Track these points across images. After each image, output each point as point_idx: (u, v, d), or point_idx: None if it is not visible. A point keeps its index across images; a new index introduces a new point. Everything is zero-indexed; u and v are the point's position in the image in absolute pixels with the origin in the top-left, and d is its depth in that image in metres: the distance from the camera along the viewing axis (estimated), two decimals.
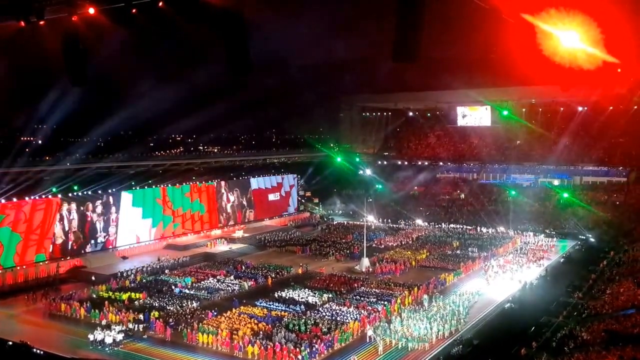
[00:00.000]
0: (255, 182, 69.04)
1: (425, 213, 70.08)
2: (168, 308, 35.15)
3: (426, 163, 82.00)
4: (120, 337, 29.91)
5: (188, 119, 77.11)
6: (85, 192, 49.88)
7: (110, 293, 38.79)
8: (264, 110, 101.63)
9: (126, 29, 17.56)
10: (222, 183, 64.34)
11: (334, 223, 70.76)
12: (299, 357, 26.79)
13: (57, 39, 17.30)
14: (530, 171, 76.16)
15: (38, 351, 26.16)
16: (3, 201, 43.80)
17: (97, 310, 33.78)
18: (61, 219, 46.68)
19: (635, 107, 66.28)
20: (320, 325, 30.98)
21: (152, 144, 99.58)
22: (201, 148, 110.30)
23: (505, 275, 43.26)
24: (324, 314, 33.74)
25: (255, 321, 32.03)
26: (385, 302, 35.54)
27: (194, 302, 36.63)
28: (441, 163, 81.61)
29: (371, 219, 67.27)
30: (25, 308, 36.83)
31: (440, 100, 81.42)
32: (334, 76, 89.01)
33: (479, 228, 62.99)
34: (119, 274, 43.28)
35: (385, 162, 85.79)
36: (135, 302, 36.74)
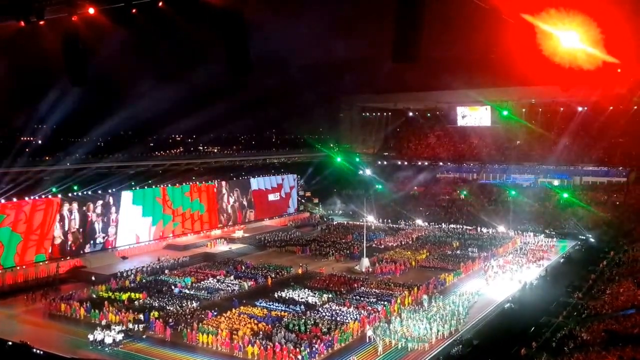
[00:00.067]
0: (256, 183, 69.07)
1: (425, 213, 70.09)
2: (168, 308, 35.16)
3: (426, 163, 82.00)
4: (120, 337, 29.91)
5: (188, 119, 77.12)
6: (85, 192, 49.87)
7: (110, 293, 38.80)
8: (264, 110, 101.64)
9: (126, 29, 17.56)
10: (223, 183, 64.39)
11: (334, 223, 70.77)
12: (299, 357, 26.79)
13: (57, 39, 17.30)
14: (530, 171, 76.18)
15: (38, 351, 26.16)
16: (3, 201, 43.79)
17: (96, 311, 33.78)
18: (61, 219, 46.70)
19: (635, 107, 66.32)
20: (320, 325, 30.98)
21: (152, 144, 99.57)
22: (201, 148, 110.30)
23: (505, 276, 43.26)
24: (323, 314, 33.74)
25: (255, 321, 32.03)
26: (385, 303, 35.54)
27: (193, 302, 36.63)
28: (441, 163, 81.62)
29: (371, 219, 67.29)
30: (25, 308, 36.83)
31: (440, 101, 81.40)
32: (334, 76, 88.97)
33: (479, 228, 63.04)
34: (119, 274, 43.28)
35: (385, 162, 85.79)
36: (135, 302, 36.75)
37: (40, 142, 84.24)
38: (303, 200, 79.18)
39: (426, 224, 67.18)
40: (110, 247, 50.63)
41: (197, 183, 61.31)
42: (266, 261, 49.58)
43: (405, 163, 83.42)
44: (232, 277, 43.20)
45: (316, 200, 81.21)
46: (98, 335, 29.64)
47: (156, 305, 35.84)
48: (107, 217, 50.42)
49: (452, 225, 65.76)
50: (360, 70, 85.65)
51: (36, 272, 43.47)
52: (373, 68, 74.61)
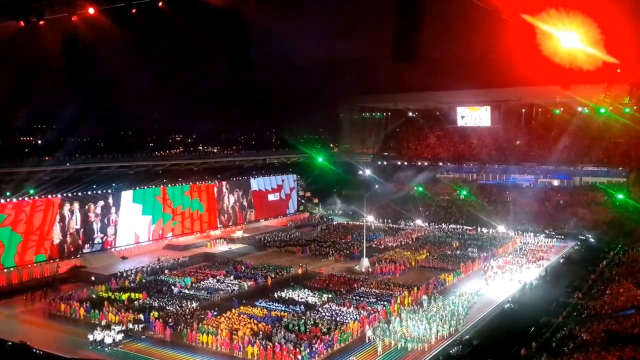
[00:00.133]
0: (256, 184, 69.09)
1: (425, 213, 70.10)
2: (168, 308, 35.15)
3: (426, 163, 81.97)
4: (119, 337, 29.90)
5: (188, 119, 77.21)
6: (85, 192, 49.82)
7: (110, 293, 38.79)
8: (264, 110, 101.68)
9: (126, 29, 17.57)
10: (224, 184, 64.44)
11: (334, 223, 70.78)
12: (299, 357, 26.78)
13: (57, 39, 17.31)
14: (530, 171, 76.19)
15: (38, 351, 26.13)
16: (3, 201, 43.77)
17: (96, 311, 33.78)
18: (61, 220, 46.70)
19: (635, 107, 66.22)
20: (320, 325, 30.98)
21: (152, 144, 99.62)
22: (201, 148, 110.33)
23: (505, 276, 43.25)
24: (323, 314, 33.74)
25: (255, 321, 32.03)
26: (385, 303, 35.54)
27: (193, 302, 36.62)
28: (441, 163, 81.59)
29: (371, 219, 67.29)
30: (25, 308, 36.81)
31: (440, 101, 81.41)
32: (334, 76, 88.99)
33: (478, 228, 63.04)
34: (119, 274, 43.27)
35: (385, 163, 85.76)
36: (135, 302, 36.75)
37: (40, 142, 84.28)
38: (303, 200, 79.17)
39: (426, 224, 67.20)
40: (109, 247, 50.62)
41: (197, 183, 61.34)
42: (266, 261, 49.56)
43: (405, 163, 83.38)
44: (231, 277, 43.19)
45: (316, 200, 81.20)
46: (98, 335, 29.64)
47: (156, 305, 35.84)
48: (107, 218, 50.42)
49: (452, 226, 65.76)
50: (360, 70, 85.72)
51: (35, 272, 43.46)
52: (373, 68, 74.67)
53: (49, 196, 46.88)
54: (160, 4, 15.87)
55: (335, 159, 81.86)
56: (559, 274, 44.09)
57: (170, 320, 32.43)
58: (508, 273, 43.73)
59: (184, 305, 35.70)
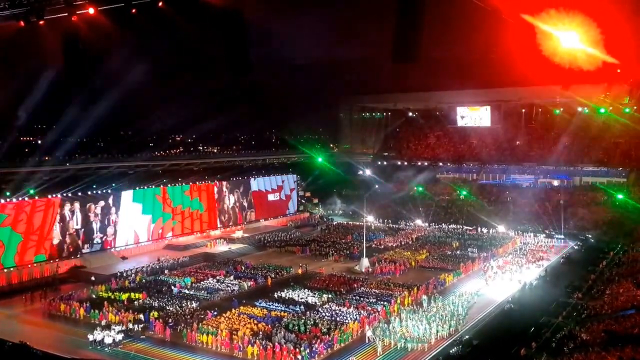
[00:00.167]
0: (256, 184, 69.10)
1: (425, 213, 70.09)
2: (168, 308, 35.15)
3: (426, 163, 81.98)
4: (119, 337, 29.90)
5: (188, 119, 77.13)
6: (85, 192, 49.83)
7: (110, 293, 38.79)
8: (264, 110, 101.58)
9: (126, 29, 17.57)
10: (224, 184, 64.46)
11: (334, 223, 70.78)
12: (299, 357, 26.78)
13: (57, 39, 17.32)
14: (530, 171, 76.20)
15: (37, 352, 26.11)
16: (3, 201, 43.77)
17: (96, 311, 33.77)
18: (61, 220, 46.70)
19: (635, 107, 66.22)
20: (320, 325, 30.98)
21: (152, 144, 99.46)
22: (201, 148, 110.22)
23: (505, 276, 43.24)
24: (323, 314, 33.74)
25: (255, 321, 32.03)
26: (385, 303, 35.54)
27: (193, 302, 36.62)
28: (441, 164, 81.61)
29: (371, 220, 67.28)
30: (24, 308, 36.81)
31: (440, 101, 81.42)
32: (334, 76, 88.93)
33: (478, 228, 63.04)
34: (119, 274, 43.27)
35: (385, 163, 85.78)
36: (135, 302, 36.74)
37: (40, 142, 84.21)
38: (303, 200, 79.17)
39: (426, 224, 67.20)
40: (109, 247, 50.61)
41: (197, 183, 61.37)
42: (266, 261, 49.56)
43: (405, 163, 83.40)
44: (231, 277, 43.19)
45: (316, 200, 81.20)
46: (98, 335, 29.62)
47: (156, 305, 35.84)
48: (107, 218, 50.43)
49: (452, 226, 65.76)
50: (360, 70, 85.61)
51: (35, 272, 43.45)
52: (373, 68, 74.61)
53: (49, 196, 46.88)
54: (160, 4, 15.87)
55: (335, 159, 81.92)
56: (559, 274, 44.08)
57: (170, 320, 32.43)
58: (508, 273, 43.73)
59: (183, 305, 35.70)
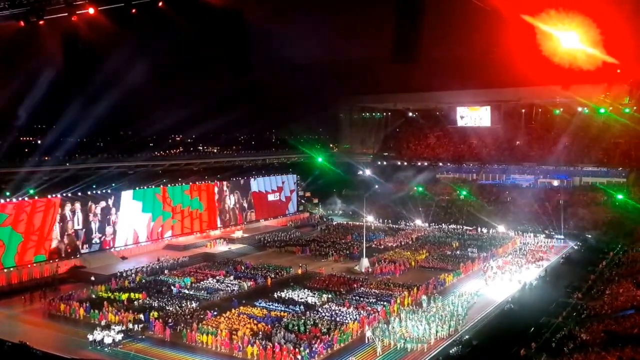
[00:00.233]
0: (256, 184, 69.11)
1: (425, 213, 70.08)
2: (167, 308, 35.15)
3: (426, 164, 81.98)
4: (119, 337, 29.90)
5: (188, 119, 76.99)
6: (85, 192, 49.82)
7: (110, 293, 38.79)
8: (264, 110, 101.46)
9: (126, 29, 17.58)
10: (224, 184, 64.48)
11: (334, 223, 70.78)
12: (298, 357, 26.79)
13: (57, 39, 17.32)
14: (530, 171, 76.18)
15: (37, 352, 26.13)
16: (3, 201, 43.76)
17: (96, 311, 33.78)
18: (61, 220, 46.69)
19: (635, 107, 66.23)
20: (320, 325, 30.98)
21: (152, 144, 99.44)
22: (201, 148, 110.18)
23: (505, 276, 43.24)
24: (323, 314, 33.74)
25: (255, 321, 32.03)
26: (385, 303, 35.54)
27: (193, 302, 36.62)
28: (441, 164, 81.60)
29: (371, 220, 67.26)
30: (24, 308, 36.81)
31: (440, 101, 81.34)
32: (334, 76, 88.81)
33: (478, 228, 63.04)
34: (119, 274, 43.27)
35: (385, 163, 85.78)
36: (135, 302, 36.74)
37: (40, 142, 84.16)
38: (303, 201, 79.16)
39: (426, 224, 67.19)
40: (108, 247, 50.60)
41: (197, 183, 61.39)
42: (266, 261, 49.56)
43: (405, 163, 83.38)
44: (231, 278, 43.19)
45: (316, 200, 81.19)
46: (97, 335, 29.63)
47: (156, 305, 35.84)
48: (107, 218, 50.42)
49: (452, 226, 65.75)
50: (360, 70, 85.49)
51: (35, 272, 43.44)
52: (373, 68, 74.53)
53: (49, 196, 46.87)
54: (160, 4, 15.87)
55: (335, 159, 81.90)
56: (559, 274, 44.09)
57: (170, 320, 32.43)
58: (508, 273, 43.72)
59: (183, 305, 35.70)
